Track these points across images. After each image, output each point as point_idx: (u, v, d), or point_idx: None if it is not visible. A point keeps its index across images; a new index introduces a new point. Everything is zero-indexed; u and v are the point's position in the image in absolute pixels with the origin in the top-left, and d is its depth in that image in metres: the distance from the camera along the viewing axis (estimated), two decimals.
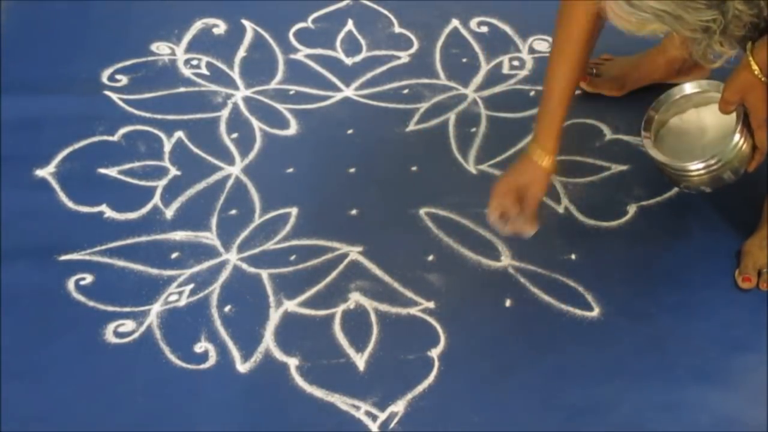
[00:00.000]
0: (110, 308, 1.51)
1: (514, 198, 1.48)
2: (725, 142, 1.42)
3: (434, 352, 1.45)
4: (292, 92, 1.85)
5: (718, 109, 1.42)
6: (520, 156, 1.52)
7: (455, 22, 1.98)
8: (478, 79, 1.86)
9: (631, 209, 1.63)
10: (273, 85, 1.87)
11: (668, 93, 1.53)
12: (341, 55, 1.92)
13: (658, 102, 1.53)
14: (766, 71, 1.34)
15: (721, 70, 1.39)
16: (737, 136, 1.41)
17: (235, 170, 1.72)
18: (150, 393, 1.41)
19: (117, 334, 1.48)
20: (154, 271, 1.56)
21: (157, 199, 1.67)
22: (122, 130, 1.78)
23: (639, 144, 1.70)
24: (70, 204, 1.66)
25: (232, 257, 1.58)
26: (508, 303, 1.51)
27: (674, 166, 1.48)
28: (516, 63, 1.88)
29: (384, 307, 1.51)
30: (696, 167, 1.45)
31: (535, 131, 1.50)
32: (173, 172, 1.71)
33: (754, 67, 1.33)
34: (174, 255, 1.58)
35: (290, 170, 1.72)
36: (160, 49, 1.94)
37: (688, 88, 1.52)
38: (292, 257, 1.58)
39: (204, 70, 1.90)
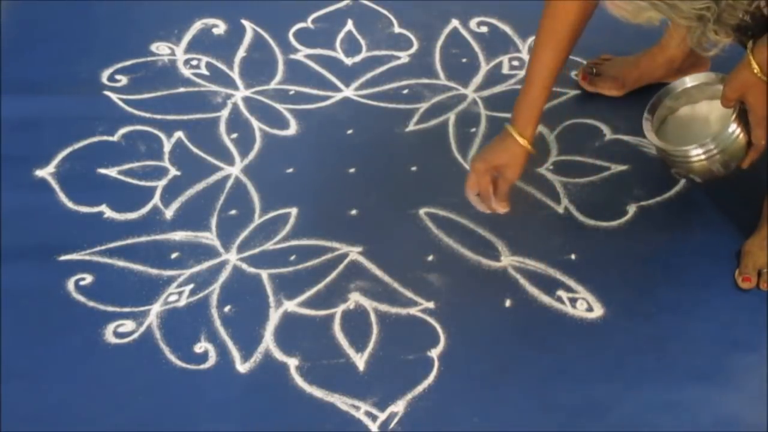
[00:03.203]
0: (110, 308, 1.51)
1: (490, 178, 1.49)
2: (723, 129, 1.44)
3: (434, 352, 1.45)
4: (292, 92, 1.85)
5: (721, 104, 1.44)
6: (499, 134, 1.50)
7: (455, 22, 1.98)
8: (478, 79, 1.86)
9: (631, 209, 1.63)
10: (273, 85, 1.87)
11: (680, 81, 1.55)
12: (341, 55, 1.92)
13: (668, 89, 1.54)
14: (765, 70, 1.35)
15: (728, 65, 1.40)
16: (734, 125, 1.43)
17: (235, 170, 1.72)
18: (150, 393, 1.41)
19: (117, 335, 1.48)
20: (154, 271, 1.56)
21: (157, 199, 1.67)
22: (122, 130, 1.78)
23: (639, 144, 1.71)
24: (70, 204, 1.66)
25: (232, 257, 1.58)
26: (508, 303, 1.51)
27: (671, 151, 1.49)
28: (516, 63, 1.88)
29: (384, 307, 1.51)
30: (696, 152, 1.46)
31: (514, 115, 1.49)
32: (173, 172, 1.71)
33: (754, 66, 1.35)
34: (174, 255, 1.58)
35: (290, 170, 1.72)
36: (160, 49, 1.94)
37: (703, 78, 1.53)
38: (292, 257, 1.58)
39: (204, 70, 1.90)
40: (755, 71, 1.35)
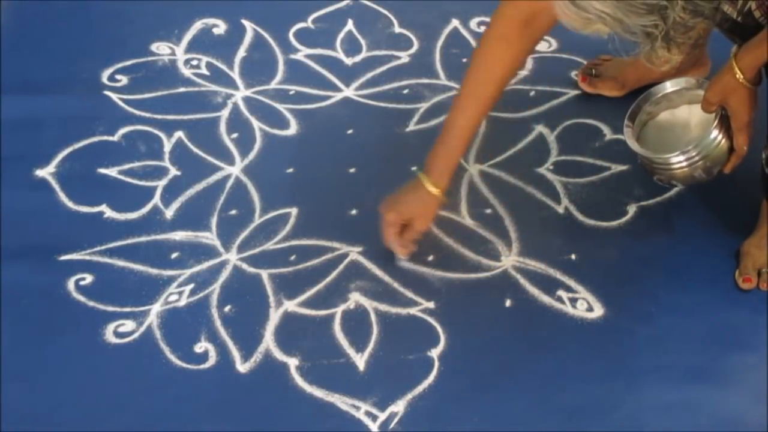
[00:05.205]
0: (110, 308, 1.51)
1: (398, 230, 1.51)
2: (704, 135, 1.44)
3: (434, 352, 1.45)
4: (292, 92, 1.85)
5: (701, 108, 1.43)
6: (411, 182, 1.51)
7: (455, 22, 1.98)
8: None
9: (631, 209, 1.63)
10: (273, 85, 1.87)
11: (660, 86, 1.54)
12: (341, 55, 1.92)
13: (648, 94, 1.54)
14: (747, 76, 1.35)
15: None
16: (715, 132, 1.43)
17: (235, 170, 1.72)
18: (150, 393, 1.41)
19: (117, 334, 1.48)
20: (154, 271, 1.56)
21: (157, 199, 1.67)
22: (122, 130, 1.78)
23: None
24: (70, 204, 1.66)
25: (232, 257, 1.58)
26: (508, 303, 1.51)
27: (653, 158, 1.48)
28: None
29: (384, 307, 1.51)
30: (677, 160, 1.46)
31: (428, 163, 1.50)
32: (173, 172, 1.71)
33: (737, 70, 1.35)
34: (174, 255, 1.58)
35: (290, 170, 1.72)
36: (160, 49, 1.94)
37: (683, 83, 1.53)
38: (292, 257, 1.58)
39: (204, 70, 1.90)
40: (737, 76, 1.35)
